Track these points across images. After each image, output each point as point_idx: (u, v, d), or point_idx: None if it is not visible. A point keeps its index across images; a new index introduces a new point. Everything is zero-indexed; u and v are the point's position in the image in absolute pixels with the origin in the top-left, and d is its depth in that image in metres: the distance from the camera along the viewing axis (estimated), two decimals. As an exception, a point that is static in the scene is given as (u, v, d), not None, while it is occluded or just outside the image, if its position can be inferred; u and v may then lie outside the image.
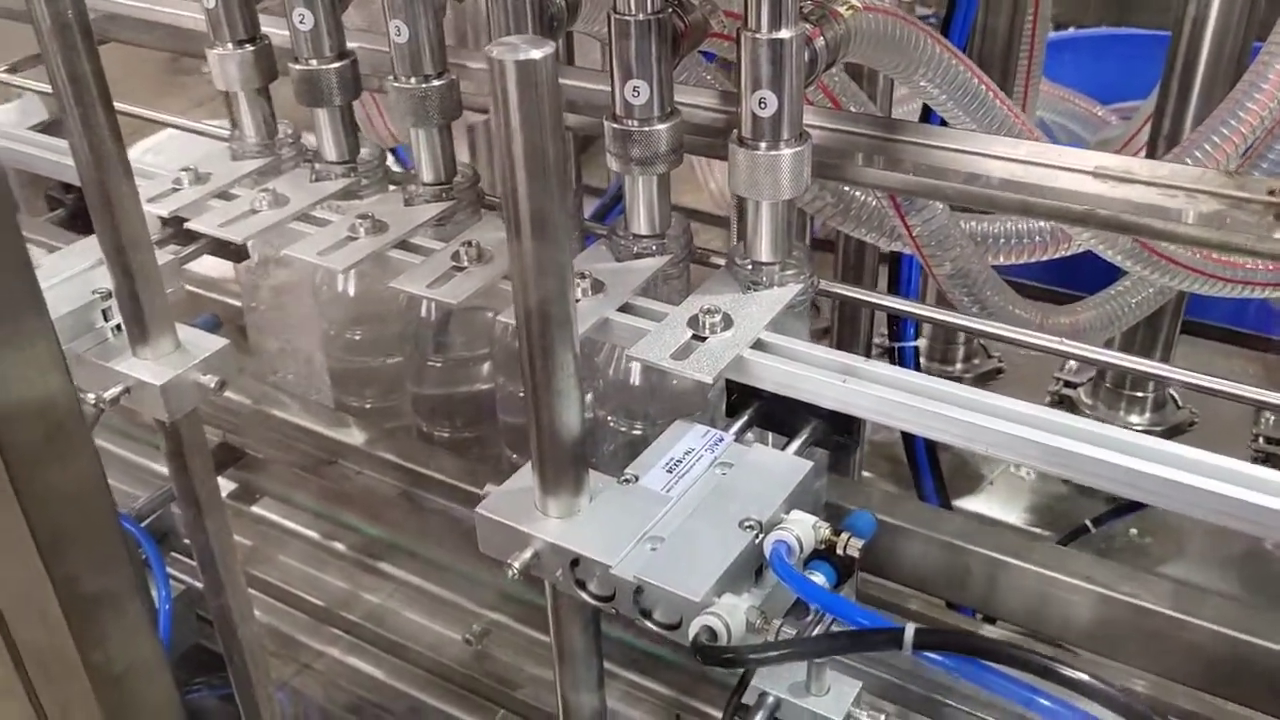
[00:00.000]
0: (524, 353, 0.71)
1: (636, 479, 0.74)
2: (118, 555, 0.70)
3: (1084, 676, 0.52)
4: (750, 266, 0.86)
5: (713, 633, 0.64)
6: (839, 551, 0.69)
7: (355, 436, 1.11)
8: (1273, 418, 1.56)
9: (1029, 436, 0.71)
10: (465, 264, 0.91)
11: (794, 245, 0.87)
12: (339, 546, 1.20)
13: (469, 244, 0.91)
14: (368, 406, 1.16)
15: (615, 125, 0.85)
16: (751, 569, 0.69)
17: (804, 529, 0.69)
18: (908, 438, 1.36)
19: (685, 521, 0.71)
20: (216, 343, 0.95)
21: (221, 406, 1.15)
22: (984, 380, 1.75)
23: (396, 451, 1.09)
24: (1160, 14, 1.54)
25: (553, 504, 0.75)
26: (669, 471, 0.75)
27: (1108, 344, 1.30)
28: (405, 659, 1.17)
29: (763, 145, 0.80)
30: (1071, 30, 2.24)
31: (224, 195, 1.03)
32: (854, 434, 0.80)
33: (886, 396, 0.75)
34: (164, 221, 1.02)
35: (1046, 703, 0.53)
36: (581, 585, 0.71)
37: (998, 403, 0.73)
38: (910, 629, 0.55)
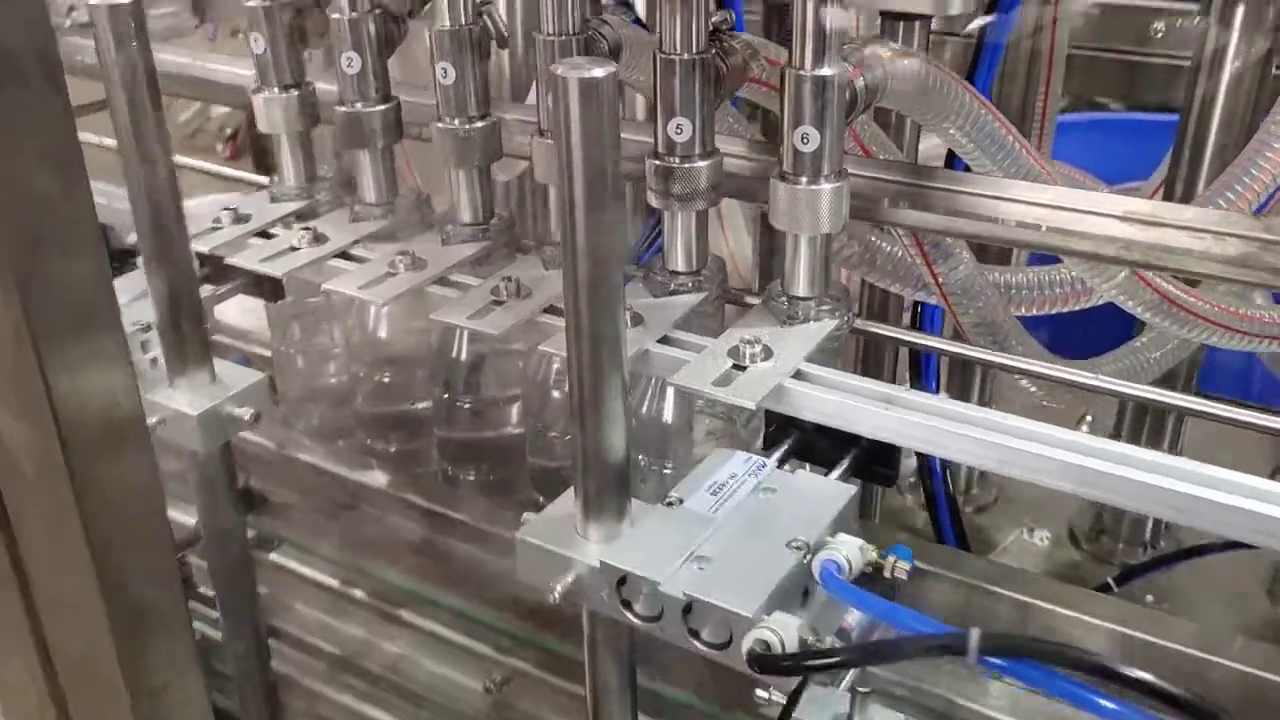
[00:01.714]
0: (573, 373, 0.72)
1: (681, 502, 0.75)
2: (168, 568, 0.70)
3: (1151, 678, 0.52)
4: (787, 302, 0.87)
5: (767, 645, 0.63)
6: (886, 575, 0.70)
7: (378, 479, 1.11)
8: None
9: (1086, 464, 0.71)
10: (505, 298, 0.92)
11: (830, 282, 0.88)
12: (358, 594, 1.19)
13: (508, 279, 0.93)
14: (393, 450, 1.16)
15: (657, 162, 0.87)
16: (799, 589, 0.69)
17: (851, 550, 0.69)
18: (931, 501, 1.36)
19: (732, 542, 0.71)
20: (251, 376, 0.96)
21: (244, 451, 1.15)
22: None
23: (421, 494, 1.09)
24: (1170, 91, 1.57)
25: (594, 528, 0.75)
26: (713, 494, 0.75)
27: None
28: (424, 708, 1.15)
29: (803, 180, 0.82)
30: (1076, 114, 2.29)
31: (263, 234, 1.05)
32: (894, 465, 0.81)
33: (931, 424, 0.75)
34: (201, 260, 1.04)
35: (1113, 706, 0.53)
36: (627, 606, 0.71)
37: (1050, 432, 0.73)
38: (975, 634, 0.55)
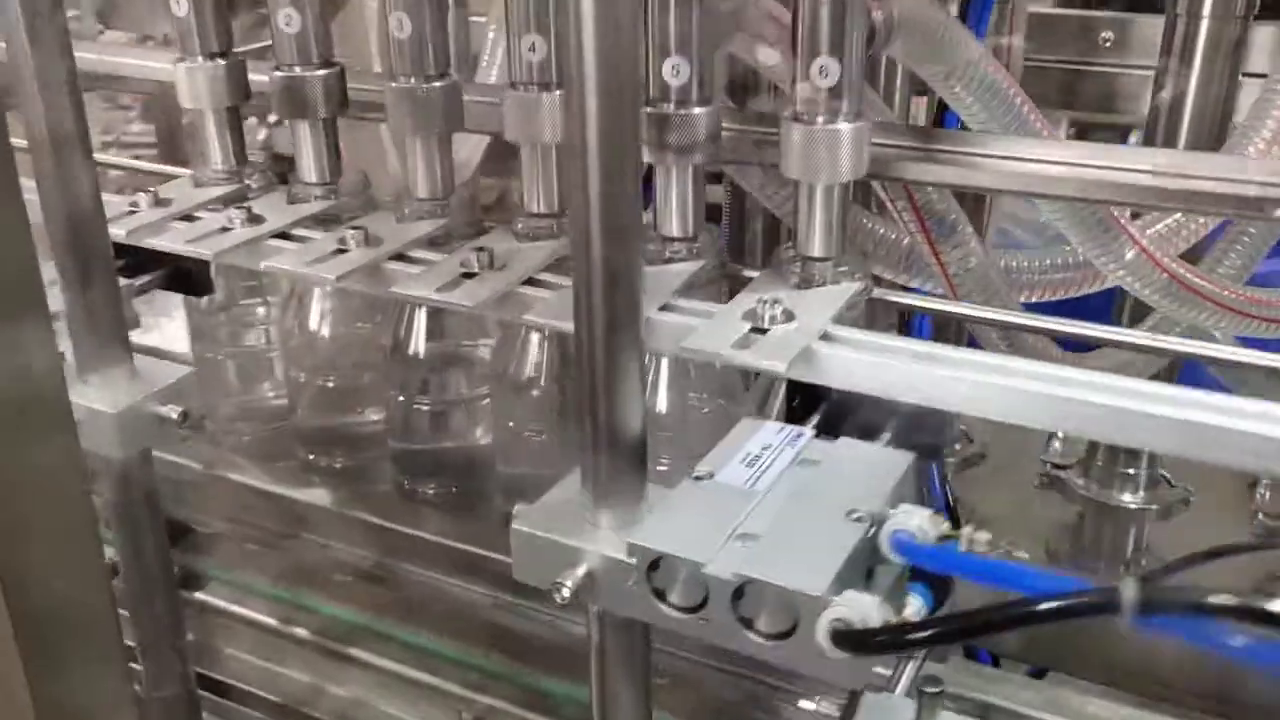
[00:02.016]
0: (583, 331, 0.61)
1: (711, 475, 0.64)
2: (95, 578, 0.56)
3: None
4: (801, 264, 0.78)
5: (848, 625, 0.52)
6: (963, 548, 0.59)
7: (323, 498, 0.98)
8: (1268, 493, 1.51)
9: (1156, 412, 0.62)
10: (476, 270, 0.80)
11: (846, 243, 0.79)
12: (300, 633, 1.04)
13: (480, 249, 0.81)
14: (339, 467, 1.03)
15: (650, 110, 0.77)
16: (863, 567, 0.58)
17: (922, 520, 0.59)
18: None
19: (781, 517, 0.60)
20: (178, 370, 0.83)
21: (163, 475, 1.01)
22: (966, 466, 1.68)
23: (374, 513, 0.96)
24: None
25: (607, 514, 0.64)
26: (748, 466, 0.64)
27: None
28: (382, 760, 1.01)
29: (820, 120, 0.73)
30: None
31: (188, 218, 0.92)
32: (941, 434, 0.71)
33: (987, 382, 0.66)
34: (116, 250, 0.90)
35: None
36: (660, 597, 0.59)
37: (1115, 382, 0.65)
38: (1130, 586, 0.45)
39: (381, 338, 0.97)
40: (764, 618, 0.56)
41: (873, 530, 0.58)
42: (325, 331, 0.99)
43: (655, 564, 0.58)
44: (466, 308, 0.77)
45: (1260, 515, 1.48)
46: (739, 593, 0.56)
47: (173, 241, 0.87)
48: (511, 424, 0.92)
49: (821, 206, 0.76)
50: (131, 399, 0.79)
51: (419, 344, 0.94)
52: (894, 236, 0.94)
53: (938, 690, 0.64)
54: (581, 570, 0.63)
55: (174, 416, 0.80)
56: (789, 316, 0.72)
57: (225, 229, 0.88)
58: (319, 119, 0.92)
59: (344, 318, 0.99)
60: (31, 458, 0.53)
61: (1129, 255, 0.88)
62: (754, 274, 0.81)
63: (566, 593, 0.62)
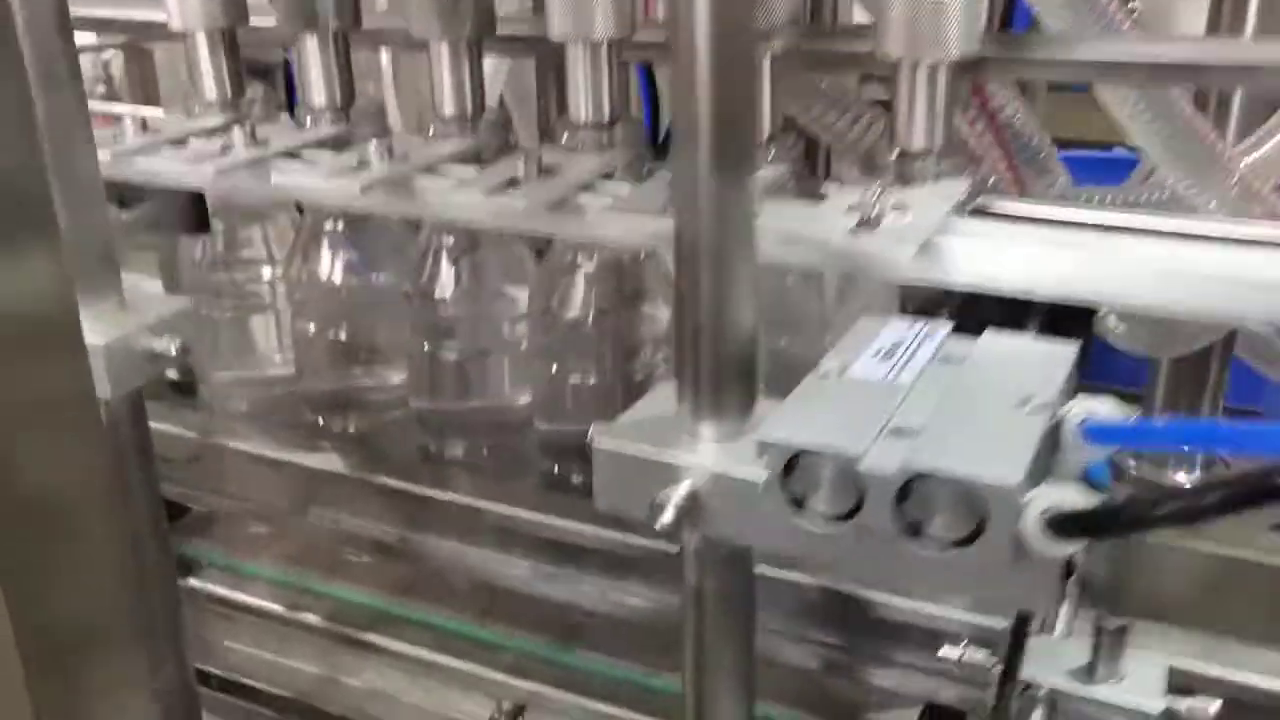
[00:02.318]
0: (687, 200, 0.51)
1: (841, 372, 0.53)
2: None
3: None
4: (897, 160, 0.68)
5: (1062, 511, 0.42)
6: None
7: (336, 464, 0.87)
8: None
9: None
10: (526, 177, 0.70)
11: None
12: (311, 619, 0.93)
13: (527, 156, 0.71)
14: (352, 431, 0.92)
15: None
16: (1045, 464, 0.48)
17: (1108, 409, 0.49)
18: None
19: (940, 410, 0.49)
20: (174, 302, 0.72)
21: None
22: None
23: (395, 477, 0.85)
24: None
25: (712, 426, 0.54)
26: (884, 360, 0.54)
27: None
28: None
29: (926, -17, 0.64)
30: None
31: (180, 143, 0.81)
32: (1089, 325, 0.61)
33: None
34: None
35: None
36: (798, 505, 0.49)
37: None
38: None
39: (403, 282, 0.86)
40: (943, 515, 0.46)
41: (1054, 419, 0.49)
42: (338, 277, 0.88)
43: (793, 463, 0.48)
44: (518, 215, 0.67)
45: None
46: (903, 494, 0.46)
47: (167, 163, 0.76)
48: (555, 369, 0.82)
49: (925, 91, 0.67)
50: (122, 330, 0.68)
51: (445, 285, 0.84)
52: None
53: (1120, 625, 0.53)
54: (684, 488, 0.53)
55: (171, 351, 0.69)
56: (901, 210, 0.62)
57: (225, 150, 0.77)
58: (329, 32, 0.82)
59: (359, 260, 0.88)
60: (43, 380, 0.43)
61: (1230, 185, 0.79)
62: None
63: (669, 514, 0.52)
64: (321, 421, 0.92)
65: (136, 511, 0.77)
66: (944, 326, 0.57)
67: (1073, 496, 0.43)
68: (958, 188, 0.66)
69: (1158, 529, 0.40)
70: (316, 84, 0.83)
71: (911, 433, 0.48)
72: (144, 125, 0.82)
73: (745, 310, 0.53)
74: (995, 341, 0.56)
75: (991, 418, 0.48)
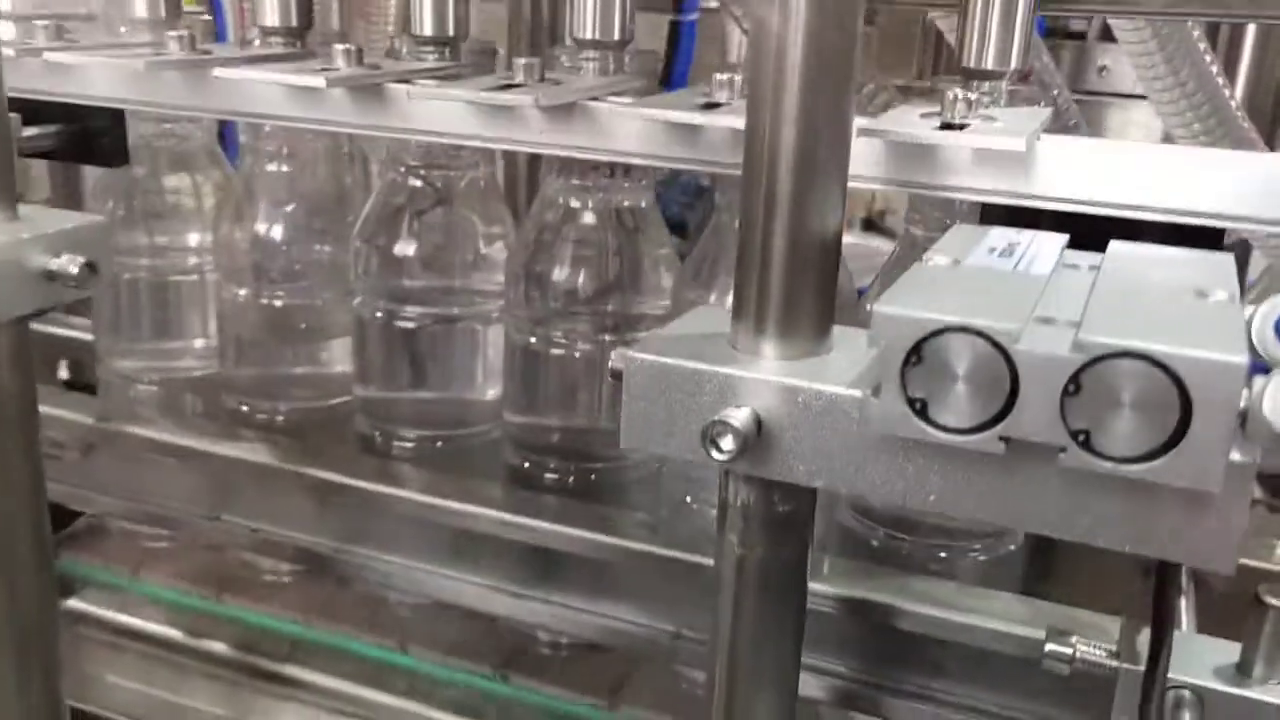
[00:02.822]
0: (783, 112, 0.40)
1: (955, 264, 0.41)
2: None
3: None
4: (963, 81, 0.58)
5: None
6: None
7: (257, 455, 0.72)
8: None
9: None
10: (524, 81, 0.58)
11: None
12: (217, 649, 0.77)
13: (529, 64, 0.59)
14: (282, 418, 0.78)
15: None
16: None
17: (1298, 308, 0.38)
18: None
19: (1097, 301, 0.38)
20: (80, 217, 0.58)
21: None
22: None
23: (331, 469, 0.70)
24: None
25: (775, 344, 0.42)
26: (1004, 257, 0.42)
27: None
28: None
29: None
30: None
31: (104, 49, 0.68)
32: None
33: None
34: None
35: None
36: (921, 412, 0.36)
37: None
38: None
39: (354, 239, 0.72)
40: (1120, 430, 0.33)
41: (1248, 311, 0.37)
42: (276, 232, 0.74)
43: (914, 356, 0.35)
44: (527, 104, 0.54)
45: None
46: (1074, 385, 0.34)
47: (81, 60, 0.63)
48: (534, 340, 0.68)
49: (1001, 5, 0.57)
50: (8, 238, 0.54)
51: (405, 240, 0.70)
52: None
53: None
54: (747, 412, 0.40)
55: (72, 270, 0.55)
56: (987, 119, 0.52)
57: (159, 51, 0.65)
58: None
59: (300, 211, 0.75)
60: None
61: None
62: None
63: (731, 440, 0.39)
64: (247, 408, 0.78)
65: (11, 498, 0.62)
66: (1059, 237, 0.46)
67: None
68: (1041, 112, 0.56)
69: None
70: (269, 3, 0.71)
71: (1069, 323, 0.36)
72: (59, 33, 0.69)
73: (830, 217, 0.42)
74: (1130, 248, 0.44)
75: (1173, 306, 0.37)
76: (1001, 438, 0.35)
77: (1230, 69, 1.16)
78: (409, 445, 0.74)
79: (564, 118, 0.57)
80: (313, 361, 0.78)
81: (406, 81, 0.61)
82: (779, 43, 0.40)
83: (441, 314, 0.71)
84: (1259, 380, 0.33)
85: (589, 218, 0.67)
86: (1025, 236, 0.45)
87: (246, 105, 0.63)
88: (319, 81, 0.57)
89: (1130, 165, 0.49)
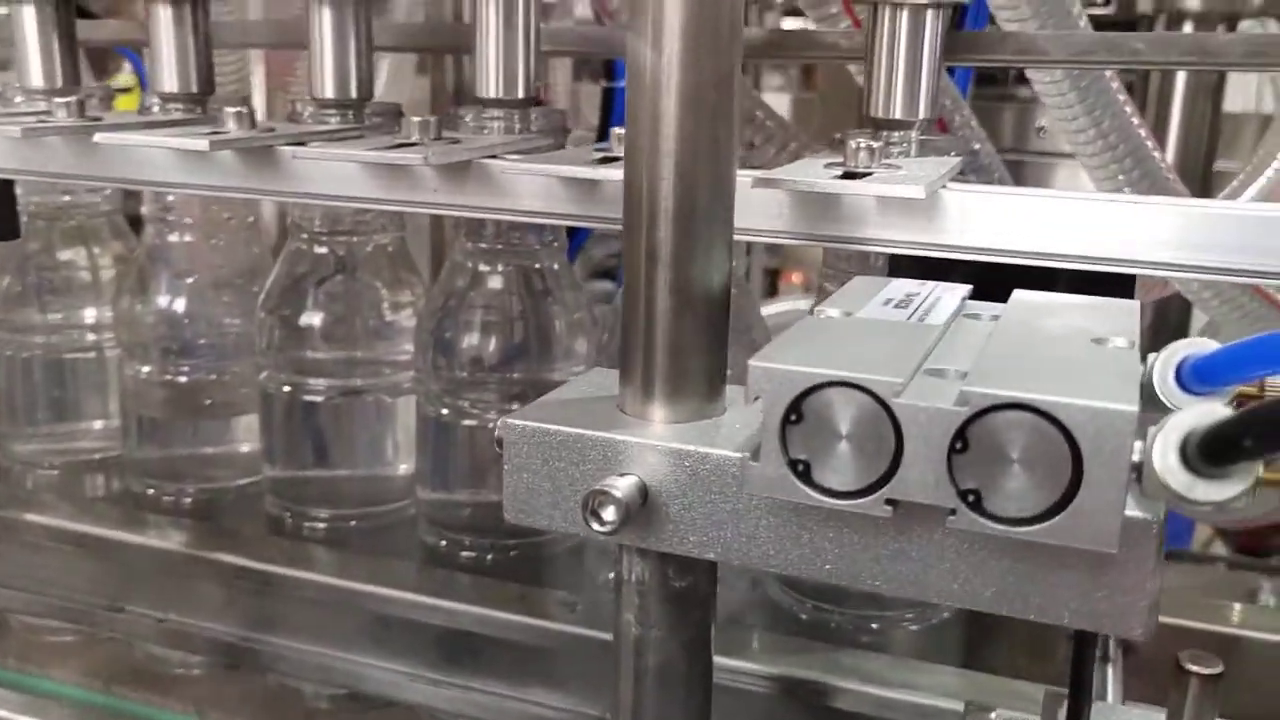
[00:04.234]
0: (661, 167, 0.38)
1: (848, 315, 0.39)
2: None
3: None
4: (870, 133, 0.56)
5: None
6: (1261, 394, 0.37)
7: (166, 541, 0.69)
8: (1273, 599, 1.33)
9: None
10: (419, 140, 0.56)
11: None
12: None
13: (424, 123, 0.57)
14: (189, 500, 0.74)
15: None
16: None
17: (1205, 350, 0.36)
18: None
19: (991, 351, 0.35)
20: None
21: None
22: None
23: (241, 555, 0.67)
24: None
25: (665, 408, 0.40)
26: (899, 308, 0.40)
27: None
28: None
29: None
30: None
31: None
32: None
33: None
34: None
35: None
36: (804, 475, 0.33)
37: None
38: None
39: (259, 310, 0.70)
40: (1010, 489, 0.31)
41: (1147, 362, 0.35)
42: (180, 305, 0.71)
43: (798, 408, 0.33)
44: (417, 163, 0.52)
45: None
46: (961, 441, 0.31)
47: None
48: (445, 412, 0.66)
49: (906, 50, 0.56)
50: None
51: (311, 310, 0.68)
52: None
53: (1216, 672, 0.39)
54: (632, 480, 0.37)
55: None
56: (891, 166, 0.50)
57: (44, 119, 0.62)
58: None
59: (205, 283, 0.72)
60: None
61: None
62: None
63: (613, 511, 0.37)
64: (152, 490, 0.74)
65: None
66: (960, 288, 0.44)
67: (1219, 409, 0.29)
68: (949, 161, 0.54)
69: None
70: (166, 64, 0.69)
71: (960, 374, 0.34)
72: (-58, 101, 0.66)
73: (716, 272, 0.40)
74: (1033, 297, 0.42)
75: (1067, 355, 0.35)
76: (888, 500, 0.32)
77: (1161, 126, 1.16)
78: (320, 526, 0.70)
79: (459, 176, 0.55)
80: (221, 440, 0.74)
81: (300, 143, 0.59)
82: (653, 91, 0.38)
83: (347, 386, 0.68)
84: (1151, 430, 0.30)
85: (496, 282, 0.65)
86: (925, 288, 0.43)
87: (134, 172, 0.61)
88: (202, 144, 0.55)
89: (1039, 212, 0.46)
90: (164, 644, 0.72)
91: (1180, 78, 1.14)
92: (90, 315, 0.75)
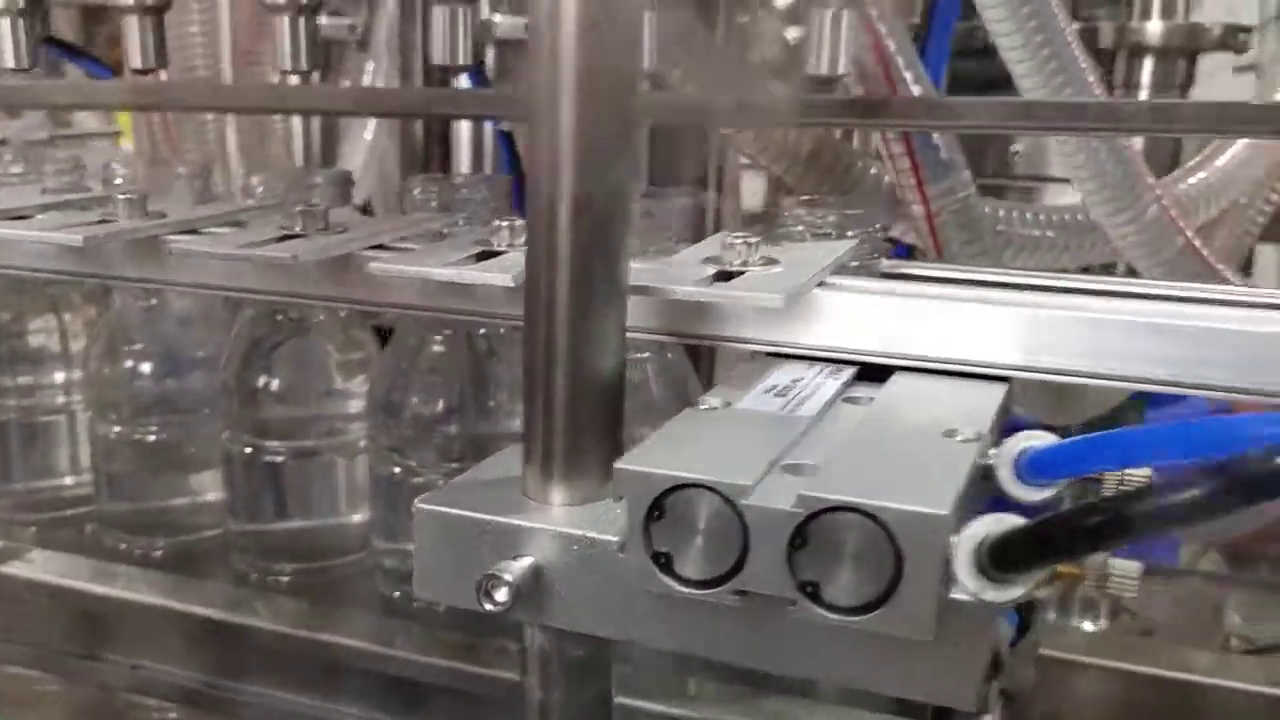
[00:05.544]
0: (544, 246, 0.42)
1: (727, 405, 0.43)
2: None
3: None
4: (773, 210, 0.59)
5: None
6: (1116, 488, 0.40)
7: (135, 592, 0.72)
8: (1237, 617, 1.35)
9: None
10: (305, 231, 0.58)
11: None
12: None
13: (307, 207, 0.59)
14: (159, 552, 0.78)
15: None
16: (978, 501, 0.38)
17: (1043, 443, 0.39)
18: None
19: (846, 445, 0.39)
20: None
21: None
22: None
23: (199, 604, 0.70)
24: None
25: (564, 490, 0.43)
26: (779, 397, 0.43)
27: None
28: None
29: None
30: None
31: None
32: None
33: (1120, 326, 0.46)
34: None
35: None
36: (665, 566, 0.37)
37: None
38: None
39: (222, 374, 0.73)
40: (847, 571, 0.34)
41: (985, 455, 0.38)
42: (145, 367, 0.75)
43: (662, 504, 0.36)
44: (285, 259, 0.54)
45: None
46: (800, 538, 0.35)
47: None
48: (397, 470, 0.69)
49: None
50: None
51: (268, 374, 0.71)
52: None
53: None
54: (526, 562, 0.41)
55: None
56: (769, 262, 0.52)
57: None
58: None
59: (174, 345, 0.75)
60: None
61: (1151, 212, 0.73)
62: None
63: (504, 593, 0.40)
64: (124, 545, 0.78)
65: None
66: (848, 370, 0.47)
67: (1012, 520, 0.32)
68: (839, 246, 0.56)
69: (1137, 537, 0.29)
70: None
71: (812, 469, 0.37)
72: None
73: (609, 363, 0.43)
74: (911, 381, 0.46)
75: (911, 450, 0.38)
76: (737, 591, 0.36)
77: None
78: (284, 579, 0.74)
79: (339, 270, 0.57)
80: (189, 494, 0.78)
81: (193, 231, 0.61)
82: (550, 201, 0.41)
83: (301, 447, 0.72)
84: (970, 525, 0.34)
85: (439, 346, 0.68)
86: (812, 371, 0.47)
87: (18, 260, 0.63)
88: (75, 239, 0.57)
89: (910, 314, 0.48)
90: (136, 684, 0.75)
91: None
92: (59, 377, 0.79)
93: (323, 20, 0.90)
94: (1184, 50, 1.16)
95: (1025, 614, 0.47)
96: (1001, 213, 0.80)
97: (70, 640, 0.75)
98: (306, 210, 0.59)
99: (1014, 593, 0.32)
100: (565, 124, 0.40)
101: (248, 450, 0.72)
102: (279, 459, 0.72)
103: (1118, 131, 0.71)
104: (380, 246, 0.57)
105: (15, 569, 0.75)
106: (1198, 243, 0.79)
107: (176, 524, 0.78)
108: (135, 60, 0.74)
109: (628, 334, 0.47)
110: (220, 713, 0.73)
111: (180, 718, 0.78)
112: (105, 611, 0.73)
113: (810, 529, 0.34)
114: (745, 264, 0.50)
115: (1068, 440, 0.37)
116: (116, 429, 0.76)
